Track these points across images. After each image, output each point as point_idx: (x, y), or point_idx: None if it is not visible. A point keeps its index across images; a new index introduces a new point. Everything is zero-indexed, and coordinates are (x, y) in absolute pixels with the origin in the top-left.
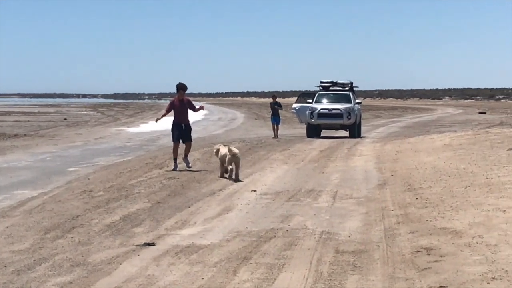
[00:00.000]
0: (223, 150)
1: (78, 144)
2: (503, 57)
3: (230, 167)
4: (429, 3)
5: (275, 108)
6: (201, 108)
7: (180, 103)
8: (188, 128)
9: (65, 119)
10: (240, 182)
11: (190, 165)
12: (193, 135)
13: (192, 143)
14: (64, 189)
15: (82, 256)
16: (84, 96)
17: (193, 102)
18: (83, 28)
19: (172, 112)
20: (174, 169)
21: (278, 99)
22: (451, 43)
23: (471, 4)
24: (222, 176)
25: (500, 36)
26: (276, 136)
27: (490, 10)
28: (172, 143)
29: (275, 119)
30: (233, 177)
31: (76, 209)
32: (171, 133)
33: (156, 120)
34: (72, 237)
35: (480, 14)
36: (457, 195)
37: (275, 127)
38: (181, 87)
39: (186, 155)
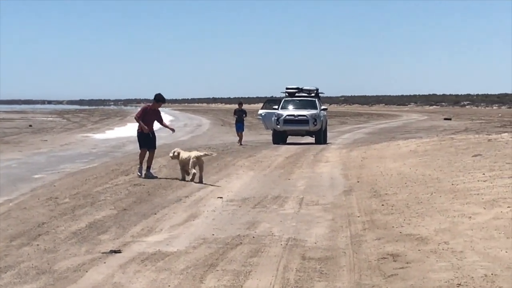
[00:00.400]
0: (184, 155)
1: (44, 151)
2: (467, 63)
3: (193, 170)
4: (393, 11)
5: (241, 115)
6: (172, 129)
7: (153, 112)
8: (154, 135)
9: (30, 125)
10: (207, 189)
11: (155, 175)
12: (159, 141)
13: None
14: (29, 196)
15: (48, 263)
16: (50, 102)
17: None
18: (47, 33)
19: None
20: (141, 175)
21: (244, 106)
22: (416, 50)
23: (436, 11)
24: (184, 179)
25: (465, 42)
26: (240, 143)
27: (455, 17)
28: (139, 150)
29: (239, 126)
30: (197, 180)
31: (41, 216)
32: (137, 140)
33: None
34: (38, 245)
35: (444, 21)
36: (423, 201)
37: (239, 134)
38: (162, 100)
39: (149, 167)
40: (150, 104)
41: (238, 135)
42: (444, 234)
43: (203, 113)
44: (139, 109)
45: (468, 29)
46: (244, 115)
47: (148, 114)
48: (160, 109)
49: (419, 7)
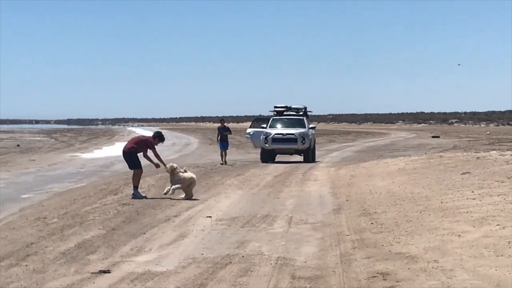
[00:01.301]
0: (186, 175)
1: (32, 171)
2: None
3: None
4: (382, 30)
5: (223, 134)
6: (156, 165)
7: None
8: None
9: (18, 145)
10: (195, 208)
11: (143, 195)
12: (147, 161)
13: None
14: (17, 216)
15: (37, 284)
16: (37, 122)
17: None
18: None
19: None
20: (144, 197)
21: (231, 124)
22: (404, 68)
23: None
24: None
25: (453, 61)
26: (224, 162)
27: (443, 36)
28: (128, 170)
29: (223, 145)
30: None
31: (30, 236)
32: (134, 160)
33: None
34: (26, 265)
35: (431, 40)
36: (412, 219)
37: (223, 153)
38: (162, 139)
39: (136, 186)
40: (151, 139)
41: (221, 154)
42: (434, 252)
43: (191, 132)
44: (134, 128)
45: (456, 48)
46: (227, 133)
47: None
48: (148, 127)
49: (408, 26)
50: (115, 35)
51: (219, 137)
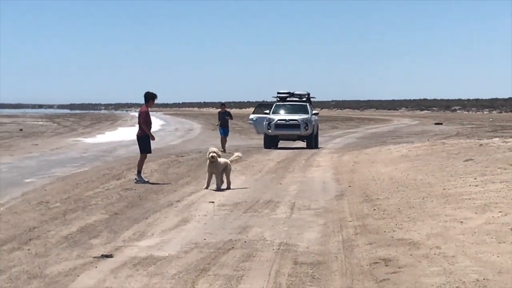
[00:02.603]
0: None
1: (35, 155)
2: (458, 68)
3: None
4: (385, 16)
5: (225, 118)
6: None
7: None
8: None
9: (21, 129)
10: (198, 193)
11: (146, 180)
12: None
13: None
14: (20, 201)
15: (39, 268)
16: (40, 106)
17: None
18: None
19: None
20: (147, 182)
21: (233, 110)
22: (407, 55)
23: (427, 16)
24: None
25: (456, 47)
26: (223, 150)
27: (446, 22)
28: (140, 155)
29: (224, 131)
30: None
31: (32, 220)
32: (144, 145)
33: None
34: (29, 249)
35: (435, 26)
36: (415, 206)
37: (224, 140)
38: (154, 96)
39: (140, 171)
40: (145, 105)
41: (221, 141)
42: (436, 238)
43: (194, 117)
44: (136, 113)
45: (459, 34)
46: (228, 117)
47: (149, 117)
48: (151, 113)
49: (411, 12)
50: (118, 19)
51: (220, 123)
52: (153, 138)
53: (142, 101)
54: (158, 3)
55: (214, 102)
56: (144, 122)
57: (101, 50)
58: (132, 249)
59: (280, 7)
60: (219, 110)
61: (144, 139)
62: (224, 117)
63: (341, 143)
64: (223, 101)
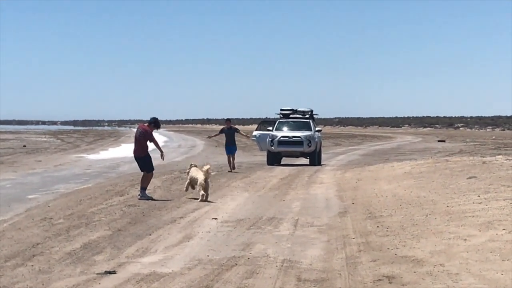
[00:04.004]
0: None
1: (38, 171)
2: (461, 86)
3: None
4: (388, 34)
5: (231, 135)
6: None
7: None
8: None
9: (24, 146)
10: (201, 210)
11: (150, 196)
12: (153, 162)
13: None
14: (24, 217)
15: (43, 284)
16: (44, 123)
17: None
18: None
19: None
20: (151, 198)
21: (236, 126)
22: (410, 72)
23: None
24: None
25: (459, 65)
26: (233, 168)
27: (448, 39)
28: (147, 173)
29: (230, 149)
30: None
31: (36, 236)
32: (150, 163)
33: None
34: (32, 265)
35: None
36: (418, 223)
37: (231, 158)
38: (158, 125)
39: (144, 188)
40: (147, 125)
41: (228, 160)
42: (440, 256)
43: (197, 134)
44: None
45: (462, 52)
46: (236, 133)
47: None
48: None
49: (413, 30)
50: (121, 36)
51: (225, 143)
52: (163, 157)
53: (145, 117)
54: (161, 21)
55: (217, 119)
56: (152, 140)
57: (105, 67)
58: (136, 265)
59: (284, 24)
60: (224, 126)
61: (148, 157)
62: (230, 133)
63: (344, 160)
64: (226, 118)
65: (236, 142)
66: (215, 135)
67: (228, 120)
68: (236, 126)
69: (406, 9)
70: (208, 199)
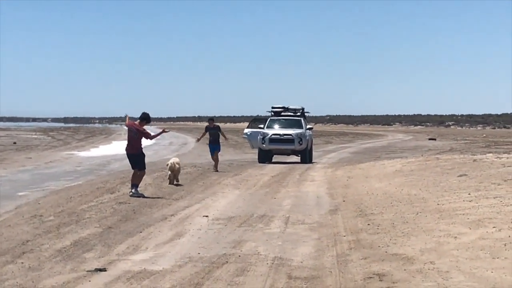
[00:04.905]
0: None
1: (28, 168)
2: (452, 84)
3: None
4: (379, 32)
5: (215, 134)
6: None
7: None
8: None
9: (14, 142)
10: (192, 207)
11: (141, 194)
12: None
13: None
14: (13, 214)
15: (33, 281)
16: (34, 120)
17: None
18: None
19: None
20: (142, 195)
21: (228, 125)
22: (401, 70)
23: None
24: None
25: (450, 63)
26: (215, 168)
27: (439, 39)
28: (141, 171)
29: (214, 148)
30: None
31: (26, 234)
32: (143, 161)
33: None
34: (22, 263)
35: (429, 42)
36: (409, 221)
37: (216, 157)
38: (148, 120)
39: (137, 185)
40: (138, 122)
41: (213, 159)
42: (430, 254)
43: (188, 131)
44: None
45: (453, 50)
46: (219, 133)
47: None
48: (146, 127)
49: (404, 28)
50: (112, 34)
51: (209, 142)
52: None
53: (136, 114)
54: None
55: (209, 117)
56: (148, 136)
57: (95, 64)
58: (126, 263)
59: (275, 22)
60: (207, 125)
61: (142, 155)
62: (214, 132)
63: (335, 158)
64: (218, 116)
65: (224, 141)
66: (202, 136)
67: (211, 119)
68: (218, 124)
69: (395, 8)
70: (197, 197)
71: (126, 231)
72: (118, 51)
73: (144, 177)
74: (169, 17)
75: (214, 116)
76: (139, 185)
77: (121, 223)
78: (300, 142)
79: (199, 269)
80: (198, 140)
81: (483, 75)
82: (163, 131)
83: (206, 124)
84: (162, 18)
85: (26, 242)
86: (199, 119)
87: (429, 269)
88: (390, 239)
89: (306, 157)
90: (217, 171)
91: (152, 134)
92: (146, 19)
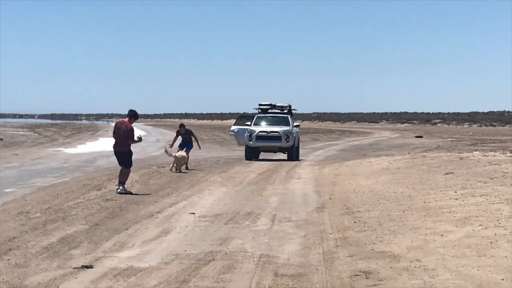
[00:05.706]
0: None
1: (15, 165)
2: (439, 82)
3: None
4: (366, 30)
5: (188, 138)
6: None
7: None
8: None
9: (1, 139)
10: (179, 204)
11: (129, 191)
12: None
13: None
14: (0, 210)
15: (19, 278)
16: (21, 116)
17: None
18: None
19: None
20: (129, 192)
21: (215, 122)
22: (388, 68)
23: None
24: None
25: (436, 61)
26: (185, 167)
27: (426, 36)
28: (127, 169)
29: (187, 146)
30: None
31: (12, 230)
32: (130, 159)
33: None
34: (8, 259)
35: (416, 40)
36: (395, 218)
37: (186, 155)
38: (136, 117)
39: (123, 182)
40: (127, 119)
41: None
42: (416, 251)
43: (175, 128)
44: (122, 127)
45: (440, 48)
46: (192, 137)
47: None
48: (133, 124)
49: (391, 27)
50: (100, 30)
51: (181, 141)
52: (141, 140)
53: (123, 111)
54: (140, 15)
55: (196, 114)
56: (132, 138)
57: (83, 61)
58: (113, 260)
59: (262, 20)
60: (178, 130)
61: (130, 153)
62: (187, 136)
63: (322, 155)
64: (205, 113)
65: (213, 137)
66: (174, 141)
67: (182, 125)
68: (191, 129)
69: (385, 7)
70: (183, 194)
71: (113, 228)
72: (105, 48)
73: (130, 174)
74: (155, 14)
75: (201, 113)
76: (126, 182)
77: (107, 220)
78: (287, 140)
79: (185, 266)
80: (171, 146)
81: (469, 73)
82: (139, 140)
83: (192, 121)
84: (148, 15)
85: (13, 239)
86: (186, 116)
87: (415, 267)
88: (377, 237)
89: (293, 154)
90: (187, 168)
91: (134, 139)
92: (132, 16)
